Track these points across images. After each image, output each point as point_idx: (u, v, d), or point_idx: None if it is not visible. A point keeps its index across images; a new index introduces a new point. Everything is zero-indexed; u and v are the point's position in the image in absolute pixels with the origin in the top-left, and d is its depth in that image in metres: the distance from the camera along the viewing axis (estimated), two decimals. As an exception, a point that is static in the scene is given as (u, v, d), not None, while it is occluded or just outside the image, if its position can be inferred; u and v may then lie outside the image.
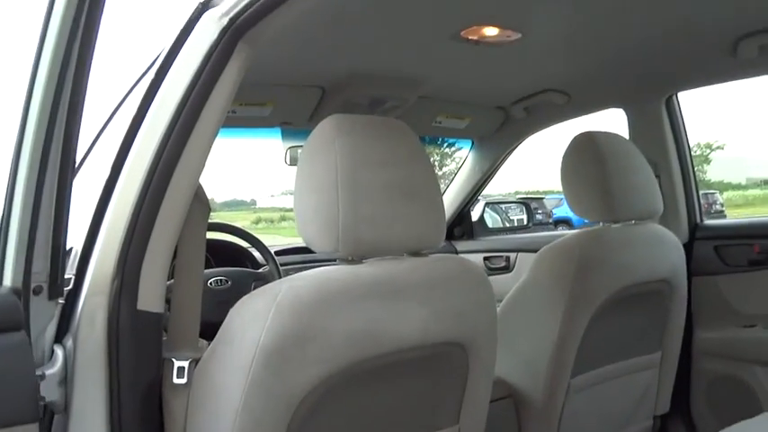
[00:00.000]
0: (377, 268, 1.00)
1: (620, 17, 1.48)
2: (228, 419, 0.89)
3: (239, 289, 1.75)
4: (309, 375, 0.91)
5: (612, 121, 2.16)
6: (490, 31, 1.51)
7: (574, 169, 1.58)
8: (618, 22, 1.52)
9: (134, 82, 1.31)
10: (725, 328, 1.83)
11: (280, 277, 1.63)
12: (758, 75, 1.81)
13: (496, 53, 1.64)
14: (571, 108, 2.18)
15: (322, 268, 0.99)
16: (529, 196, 12.63)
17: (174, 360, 1.00)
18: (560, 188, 1.61)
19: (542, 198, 12.23)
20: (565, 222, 10.28)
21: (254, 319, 0.90)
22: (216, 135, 1.05)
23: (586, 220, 1.65)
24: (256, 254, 2.05)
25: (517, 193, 14.94)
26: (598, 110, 2.21)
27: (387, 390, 1.06)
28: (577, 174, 1.57)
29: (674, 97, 2.02)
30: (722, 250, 1.85)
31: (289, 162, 2.17)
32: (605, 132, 1.58)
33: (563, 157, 1.59)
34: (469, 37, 1.53)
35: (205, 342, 1.07)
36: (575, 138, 1.57)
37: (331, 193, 0.96)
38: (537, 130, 2.42)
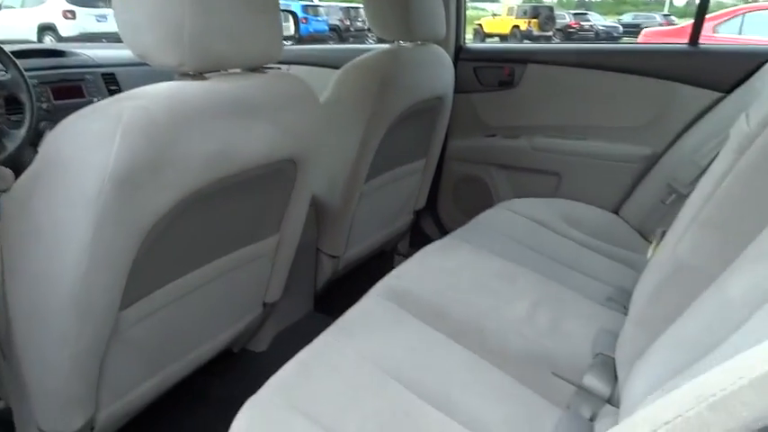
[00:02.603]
0: (225, 85, 0.94)
1: None
2: (74, 254, 0.81)
3: None
4: (164, 200, 0.86)
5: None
6: None
7: None
8: None
9: None
10: (472, 137, 2.18)
11: (28, 89, 1.35)
12: None
13: None
14: None
15: (164, 84, 0.88)
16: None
17: None
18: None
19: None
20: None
21: (96, 143, 0.79)
22: None
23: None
24: None
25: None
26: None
27: (226, 206, 1.06)
28: None
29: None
30: (479, 71, 2.12)
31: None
32: None
33: None
34: None
35: (8, 171, 0.90)
36: None
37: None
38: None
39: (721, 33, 6.73)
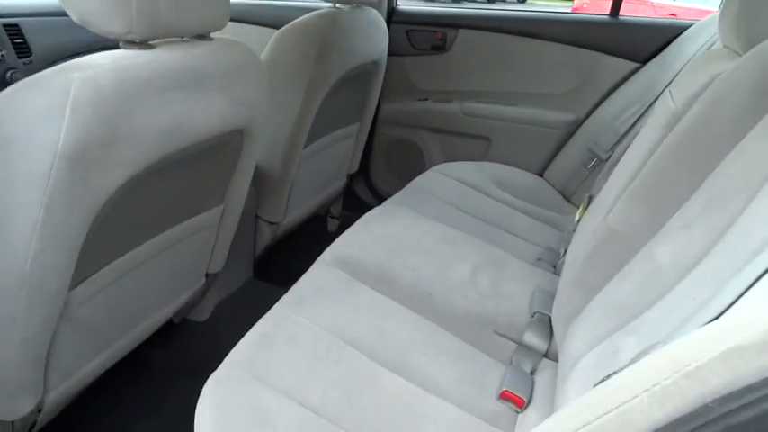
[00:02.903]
0: (174, 54, 0.90)
1: None
2: (24, 235, 0.77)
3: None
4: (116, 177, 0.83)
5: None
6: None
7: None
8: None
9: None
10: (404, 101, 2.21)
11: None
12: None
13: None
14: None
15: (110, 53, 0.84)
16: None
17: None
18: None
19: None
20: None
21: (43, 118, 0.74)
22: None
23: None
24: None
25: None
26: None
27: (174, 180, 1.04)
28: None
29: None
30: (412, 35, 2.13)
31: None
32: None
33: None
34: None
35: None
36: None
37: None
38: None
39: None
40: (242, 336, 1.60)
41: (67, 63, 0.79)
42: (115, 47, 0.88)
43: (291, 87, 1.52)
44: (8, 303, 0.81)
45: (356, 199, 2.35)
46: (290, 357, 0.97)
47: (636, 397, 0.41)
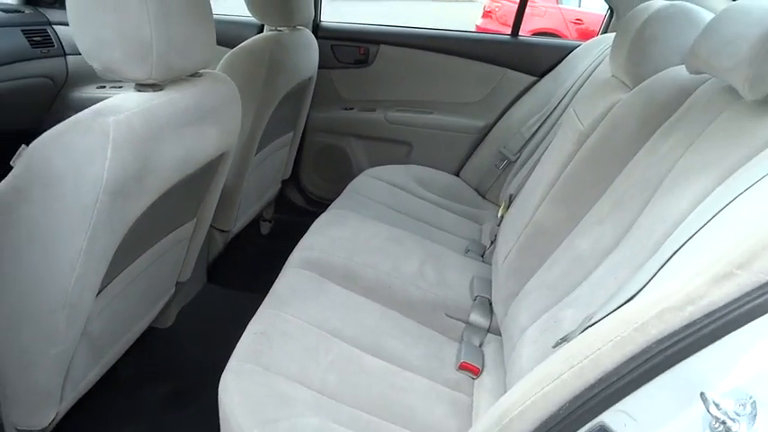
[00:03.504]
0: (181, 94, 1.02)
1: None
2: (69, 260, 0.87)
3: None
4: (143, 203, 0.95)
5: None
6: None
7: None
8: None
9: None
10: (331, 110, 2.38)
11: None
12: None
13: None
14: None
15: (133, 97, 0.94)
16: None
17: None
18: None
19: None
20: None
21: (88, 158, 0.85)
22: None
23: None
24: None
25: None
26: None
27: (169, 199, 1.15)
28: None
29: None
30: (336, 49, 2.30)
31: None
32: None
33: None
34: None
35: None
36: None
37: (140, 14, 0.90)
38: None
39: (564, 4, 7.52)
40: (205, 341, 1.71)
41: (98, 106, 0.89)
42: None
43: (243, 106, 1.65)
44: (50, 321, 0.90)
45: (287, 202, 2.49)
46: (288, 350, 1.13)
47: (603, 346, 0.64)
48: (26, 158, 0.84)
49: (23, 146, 0.85)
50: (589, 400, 0.62)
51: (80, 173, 0.85)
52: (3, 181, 0.86)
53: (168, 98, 0.99)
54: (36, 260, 0.87)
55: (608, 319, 0.70)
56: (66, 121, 0.86)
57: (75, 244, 0.86)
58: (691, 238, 0.75)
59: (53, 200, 0.85)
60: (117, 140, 0.86)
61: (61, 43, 2.10)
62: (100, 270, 0.93)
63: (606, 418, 0.63)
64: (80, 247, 0.87)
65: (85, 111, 0.88)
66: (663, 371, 0.61)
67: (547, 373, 0.68)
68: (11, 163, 0.86)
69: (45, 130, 0.85)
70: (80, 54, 0.93)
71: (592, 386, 0.63)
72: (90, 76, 2.16)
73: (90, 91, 2.19)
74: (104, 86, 2.23)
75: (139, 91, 0.98)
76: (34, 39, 1.98)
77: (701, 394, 0.59)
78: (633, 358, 0.62)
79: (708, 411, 0.57)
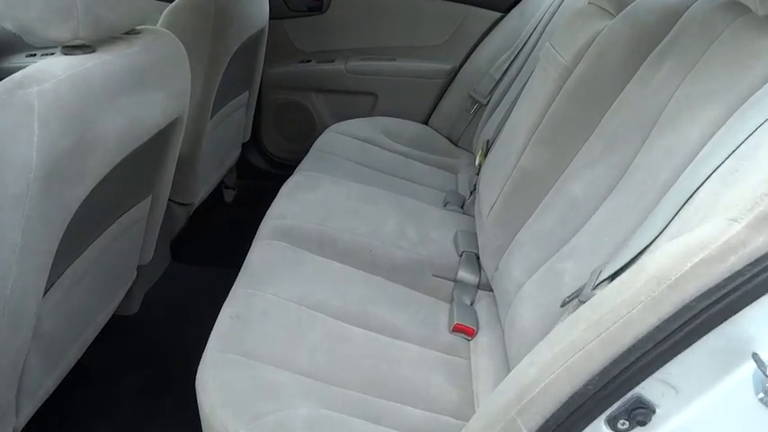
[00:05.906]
0: (114, 55, 0.88)
1: None
2: (5, 261, 0.75)
3: None
4: (85, 187, 0.83)
5: None
6: None
7: None
8: None
9: None
10: (288, 64, 2.21)
11: None
12: None
13: None
14: None
15: (58, 62, 0.80)
16: None
17: None
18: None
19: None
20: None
21: (12, 138, 0.71)
22: None
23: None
24: None
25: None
26: None
27: (119, 178, 1.02)
28: None
29: None
30: (286, -4, 2.13)
31: None
32: None
33: None
34: None
35: None
36: None
37: None
38: None
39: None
40: (176, 324, 1.60)
41: (18, 75, 0.75)
42: None
43: (191, 65, 1.49)
44: None
45: (250, 167, 2.35)
46: (269, 332, 1.03)
47: (634, 309, 0.56)
48: None
49: None
50: (623, 371, 0.55)
51: (4, 157, 0.71)
52: None
53: (101, 60, 0.85)
54: None
55: (627, 274, 0.62)
56: None
57: (8, 241, 0.74)
58: (710, 176, 0.67)
59: None
60: (43, 114, 0.72)
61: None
62: (42, 267, 0.81)
63: (642, 389, 0.56)
64: (14, 244, 0.74)
65: (2, 82, 0.74)
66: (705, 332, 0.53)
67: (569, 344, 0.60)
68: None
69: None
70: None
71: (623, 356, 0.56)
72: (17, 44, 1.94)
73: (18, 60, 1.97)
74: (35, 54, 2.01)
75: (67, 54, 0.84)
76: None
77: (754, 355, 0.52)
78: (669, 320, 0.54)
79: (764, 374, 0.50)
